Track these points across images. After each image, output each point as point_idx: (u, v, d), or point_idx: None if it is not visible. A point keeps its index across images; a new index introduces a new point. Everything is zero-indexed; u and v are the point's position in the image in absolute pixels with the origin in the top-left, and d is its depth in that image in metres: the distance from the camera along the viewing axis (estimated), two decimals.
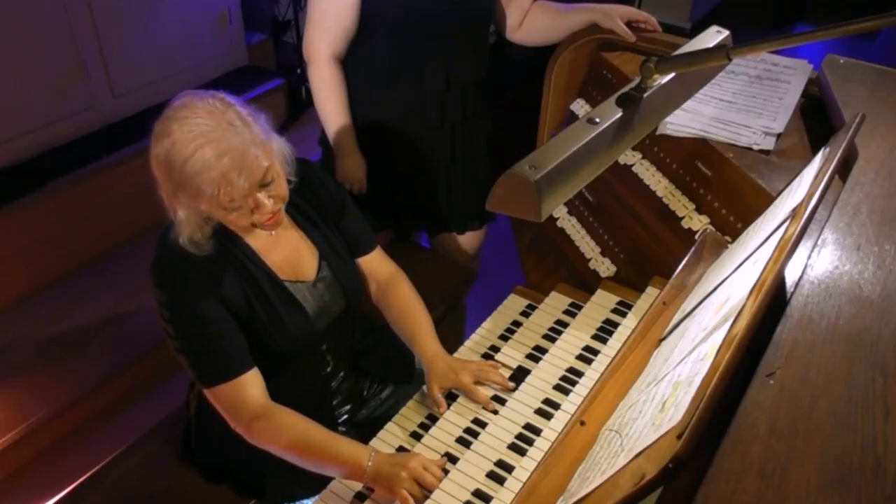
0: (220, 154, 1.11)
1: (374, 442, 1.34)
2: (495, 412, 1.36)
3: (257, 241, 1.32)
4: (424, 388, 1.43)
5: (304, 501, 1.46)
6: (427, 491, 1.20)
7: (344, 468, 1.23)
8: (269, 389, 1.32)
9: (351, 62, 1.81)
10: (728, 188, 1.44)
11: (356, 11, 1.71)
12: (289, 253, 1.36)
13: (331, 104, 1.81)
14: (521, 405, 1.37)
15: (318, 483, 1.29)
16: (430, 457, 1.27)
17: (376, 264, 1.53)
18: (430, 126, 1.87)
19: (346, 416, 1.52)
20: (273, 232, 1.33)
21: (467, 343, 1.54)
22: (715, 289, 1.07)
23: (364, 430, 1.48)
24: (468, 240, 2.15)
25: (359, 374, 1.56)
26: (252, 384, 1.27)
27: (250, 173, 1.14)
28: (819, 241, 1.08)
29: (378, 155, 1.90)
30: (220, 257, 1.26)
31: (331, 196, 1.44)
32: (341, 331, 1.47)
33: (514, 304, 1.65)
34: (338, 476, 1.27)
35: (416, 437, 1.34)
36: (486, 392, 1.38)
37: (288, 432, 1.25)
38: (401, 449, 1.32)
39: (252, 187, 1.16)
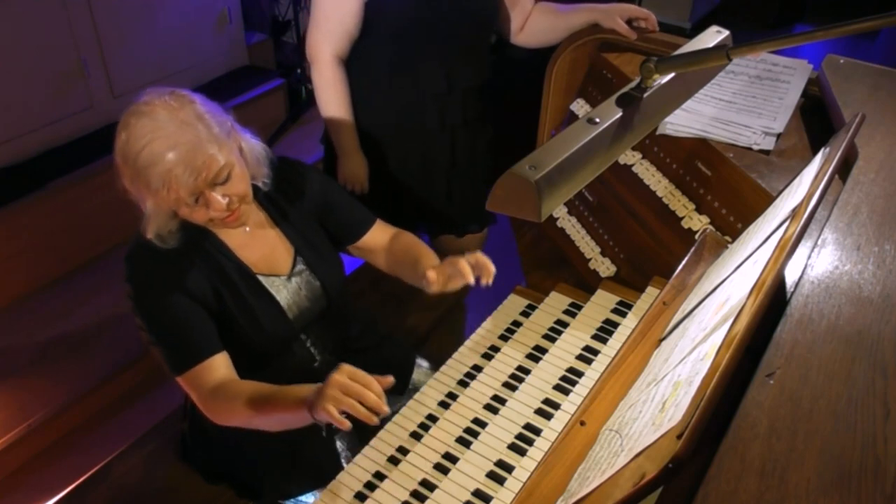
0: (168, 149, 1.13)
1: (373, 442, 1.34)
2: (495, 412, 1.36)
3: (231, 238, 1.33)
4: (424, 388, 1.43)
5: (301, 498, 1.46)
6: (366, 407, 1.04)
7: (294, 411, 1.14)
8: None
9: (353, 63, 1.81)
10: (728, 188, 1.44)
11: (359, 13, 1.71)
12: (263, 248, 1.37)
13: (333, 104, 1.81)
14: (521, 405, 1.37)
15: (314, 479, 1.29)
16: (429, 454, 1.28)
17: (380, 235, 1.53)
18: (430, 129, 1.87)
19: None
20: (248, 228, 1.34)
21: (467, 343, 1.54)
22: (715, 289, 1.07)
23: (362, 430, 1.49)
24: (469, 242, 2.15)
25: None
26: (218, 367, 1.26)
27: (199, 170, 1.15)
28: (819, 241, 1.08)
29: (379, 156, 1.90)
30: (191, 251, 1.28)
31: (312, 193, 1.44)
32: (327, 325, 1.47)
33: (514, 304, 1.65)
34: (298, 423, 1.17)
35: (417, 437, 1.34)
36: (486, 391, 1.38)
37: (240, 395, 1.21)
38: (401, 449, 1.32)
39: (202, 184, 1.16)
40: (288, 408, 1.16)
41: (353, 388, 1.04)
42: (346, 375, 1.06)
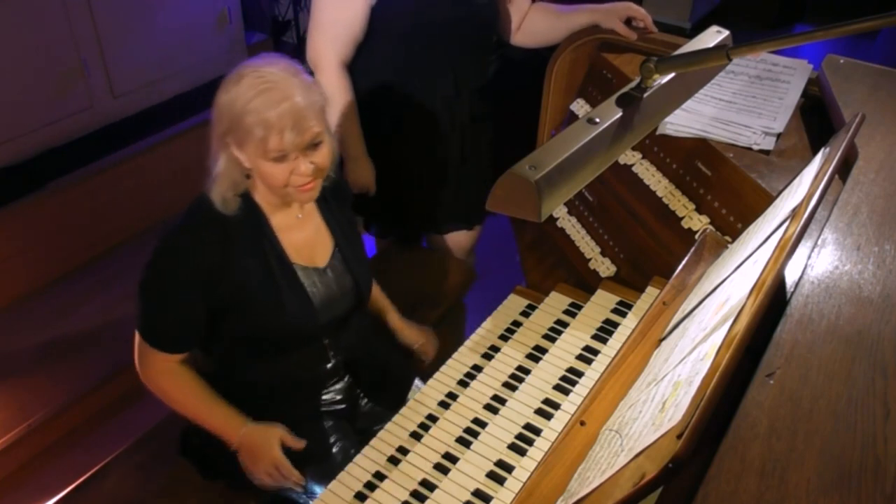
0: (282, 100, 1.18)
1: (373, 442, 1.34)
2: (495, 412, 1.36)
3: (281, 219, 1.36)
4: (424, 388, 1.44)
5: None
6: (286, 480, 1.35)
7: (221, 432, 1.38)
8: (263, 371, 1.40)
9: (359, 68, 1.81)
10: (728, 188, 1.44)
11: (365, 19, 1.71)
12: (307, 236, 1.40)
13: (340, 110, 1.80)
14: (521, 405, 1.37)
15: (312, 472, 1.36)
16: (429, 454, 1.28)
17: None
18: (439, 130, 1.88)
19: (337, 411, 1.52)
20: (300, 215, 1.38)
21: (467, 343, 1.54)
22: (715, 289, 1.07)
23: (362, 432, 1.49)
24: (465, 237, 2.15)
25: (357, 379, 1.57)
26: (174, 357, 1.37)
27: (302, 131, 1.20)
28: (819, 241, 1.08)
29: (386, 158, 1.90)
30: (241, 226, 1.31)
31: (347, 193, 1.54)
32: (347, 327, 1.49)
33: (514, 304, 1.65)
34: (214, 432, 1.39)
35: (417, 437, 1.34)
36: (486, 391, 1.39)
37: (179, 384, 1.38)
38: (401, 449, 1.32)
39: (299, 145, 1.21)
40: (217, 426, 1.39)
41: (277, 477, 1.36)
42: (274, 466, 1.35)
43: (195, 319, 1.33)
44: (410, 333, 1.68)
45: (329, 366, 1.48)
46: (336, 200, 1.47)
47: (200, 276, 1.28)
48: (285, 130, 1.18)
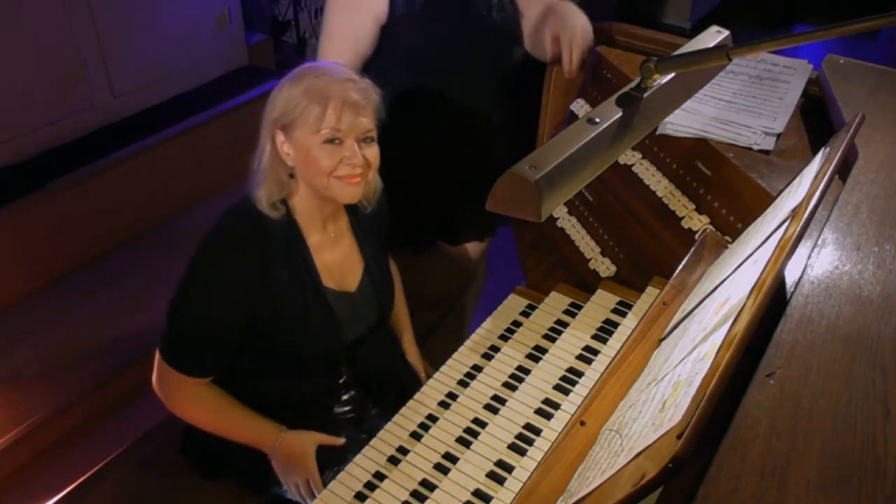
0: (344, 82, 1.23)
1: (373, 442, 1.33)
2: (495, 412, 1.36)
3: (316, 239, 1.34)
4: (424, 388, 1.43)
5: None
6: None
7: (254, 443, 1.37)
8: (275, 385, 1.39)
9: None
10: (728, 188, 1.44)
11: (374, 35, 1.71)
12: (340, 257, 1.40)
13: None
14: (521, 405, 1.37)
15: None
16: (429, 454, 1.28)
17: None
18: (451, 144, 1.88)
19: (348, 419, 1.52)
20: (333, 233, 1.37)
21: (467, 343, 1.54)
22: (715, 289, 1.07)
23: (368, 429, 1.49)
24: (477, 245, 2.15)
25: (367, 387, 1.57)
26: (195, 382, 1.33)
27: (359, 115, 1.23)
28: (819, 241, 1.08)
29: (398, 173, 1.90)
30: (279, 238, 1.29)
31: (383, 218, 1.53)
32: (365, 346, 1.48)
33: (514, 304, 1.65)
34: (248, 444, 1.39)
35: (417, 437, 1.34)
36: (486, 391, 1.39)
37: (206, 407, 1.36)
38: (401, 449, 1.32)
39: (355, 128, 1.24)
40: (253, 440, 1.37)
41: (305, 493, 1.36)
42: (306, 480, 1.35)
43: (229, 339, 1.29)
44: (415, 362, 1.67)
45: (342, 380, 1.48)
46: (370, 221, 1.47)
47: (242, 291, 1.25)
48: (345, 109, 1.20)
